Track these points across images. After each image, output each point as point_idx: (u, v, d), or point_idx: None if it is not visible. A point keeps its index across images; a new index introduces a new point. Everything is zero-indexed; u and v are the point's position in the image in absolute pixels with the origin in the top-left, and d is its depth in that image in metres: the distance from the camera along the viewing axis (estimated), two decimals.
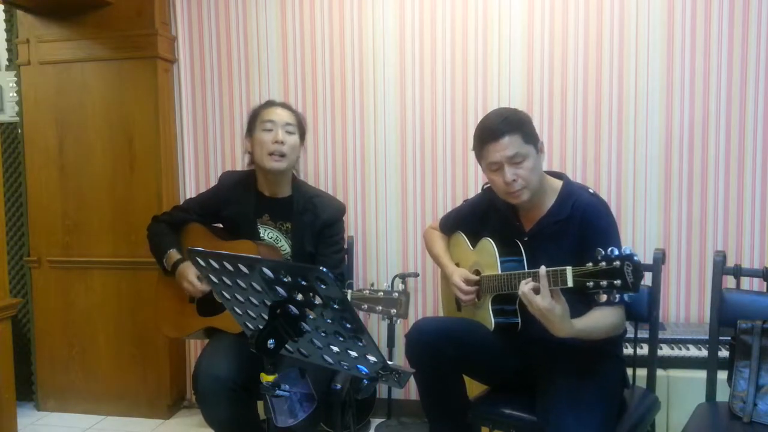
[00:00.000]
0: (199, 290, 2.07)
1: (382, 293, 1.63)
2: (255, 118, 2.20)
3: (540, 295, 1.50)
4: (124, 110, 3.00)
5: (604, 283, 1.41)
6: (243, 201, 2.22)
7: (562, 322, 1.52)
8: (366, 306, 1.65)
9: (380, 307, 1.63)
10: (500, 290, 1.78)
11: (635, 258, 1.38)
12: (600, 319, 1.64)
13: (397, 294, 1.62)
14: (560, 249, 1.75)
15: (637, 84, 2.65)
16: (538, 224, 1.84)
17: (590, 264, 1.44)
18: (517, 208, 1.89)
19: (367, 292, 1.65)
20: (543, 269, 1.51)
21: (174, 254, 2.17)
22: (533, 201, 1.82)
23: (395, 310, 1.62)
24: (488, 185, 2.01)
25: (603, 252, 1.41)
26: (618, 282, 1.39)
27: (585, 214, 1.76)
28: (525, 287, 1.54)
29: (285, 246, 2.20)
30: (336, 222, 2.24)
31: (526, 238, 1.85)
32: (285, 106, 2.24)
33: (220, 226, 2.31)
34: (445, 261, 2.09)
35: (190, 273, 2.08)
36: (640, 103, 2.66)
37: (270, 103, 2.24)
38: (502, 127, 1.73)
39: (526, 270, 1.73)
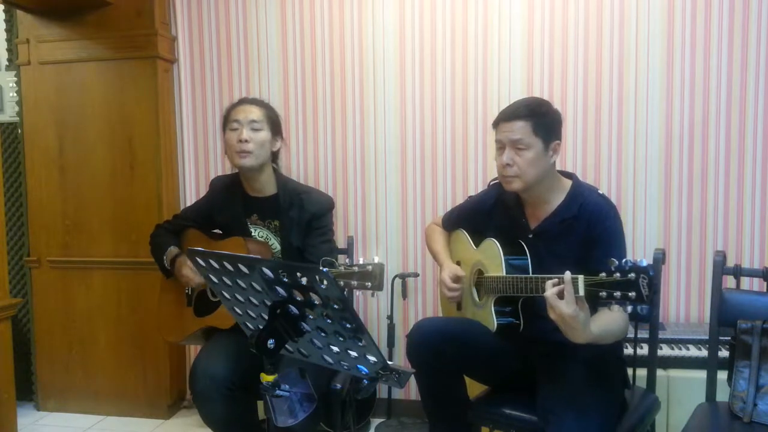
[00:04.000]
0: (198, 277, 2.08)
1: (356, 267, 1.62)
2: (226, 118, 2.20)
3: (564, 300, 1.46)
4: (124, 110, 3.00)
5: (617, 294, 1.37)
6: (232, 203, 2.23)
7: (584, 330, 1.48)
8: (342, 282, 1.64)
9: (355, 282, 1.62)
10: (505, 292, 1.77)
11: (651, 272, 1.34)
12: (612, 323, 1.61)
13: (370, 267, 1.60)
14: (565, 249, 1.74)
15: (637, 84, 2.65)
16: (544, 223, 1.83)
17: (603, 274, 1.40)
18: (525, 205, 1.89)
19: (342, 268, 1.64)
20: (568, 274, 1.47)
21: (174, 250, 2.20)
22: (541, 198, 1.82)
23: (369, 283, 1.60)
24: (494, 181, 2.00)
25: (617, 262, 1.38)
26: (633, 294, 1.35)
27: (592, 215, 1.75)
28: (549, 291, 1.49)
29: (275, 244, 2.20)
30: (324, 215, 2.22)
31: (530, 236, 1.85)
32: (255, 102, 2.21)
33: (219, 232, 2.32)
34: (443, 258, 2.09)
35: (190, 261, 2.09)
36: (640, 103, 2.66)
37: (240, 101, 2.22)
38: (518, 111, 1.76)
39: (531, 275, 1.73)
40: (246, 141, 2.11)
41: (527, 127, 1.74)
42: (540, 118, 1.75)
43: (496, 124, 1.81)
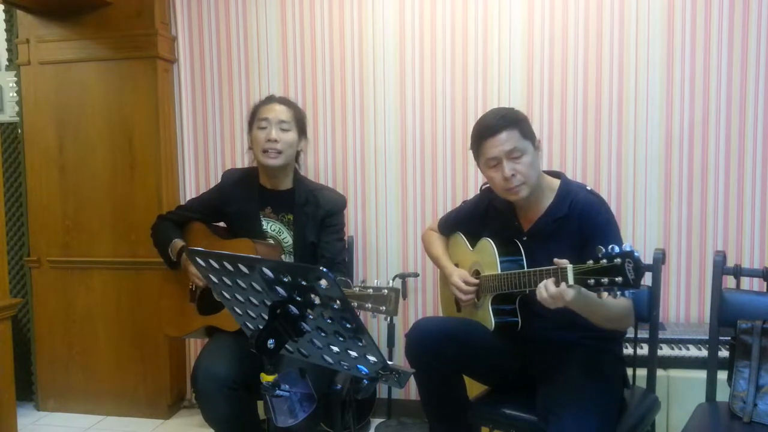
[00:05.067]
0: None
1: (371, 290, 1.61)
2: (254, 116, 2.23)
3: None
4: (124, 110, 3.00)
5: (605, 280, 1.40)
6: (246, 196, 2.24)
7: (577, 295, 1.50)
8: (356, 303, 1.63)
9: (369, 305, 1.61)
10: (500, 290, 1.78)
11: (636, 254, 1.37)
12: (613, 302, 1.60)
13: (386, 291, 1.60)
14: (559, 247, 1.74)
15: (637, 84, 2.65)
16: (536, 223, 1.84)
17: (591, 261, 1.43)
18: (516, 208, 1.90)
19: (357, 289, 1.64)
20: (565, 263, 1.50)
21: (179, 242, 2.20)
22: (532, 200, 1.83)
23: (384, 307, 1.59)
24: (487, 185, 2.02)
25: (603, 249, 1.41)
26: (619, 279, 1.38)
27: (583, 212, 1.77)
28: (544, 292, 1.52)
29: (287, 237, 2.22)
30: (338, 212, 2.27)
31: (525, 238, 1.86)
32: (283, 101, 2.24)
33: (223, 225, 2.32)
34: (445, 262, 2.09)
35: None
36: (640, 103, 2.66)
37: (268, 100, 2.26)
38: (499, 123, 1.76)
39: (526, 269, 1.74)
40: (275, 141, 2.14)
41: (516, 134, 1.75)
42: (521, 123, 1.78)
43: (479, 144, 1.79)
